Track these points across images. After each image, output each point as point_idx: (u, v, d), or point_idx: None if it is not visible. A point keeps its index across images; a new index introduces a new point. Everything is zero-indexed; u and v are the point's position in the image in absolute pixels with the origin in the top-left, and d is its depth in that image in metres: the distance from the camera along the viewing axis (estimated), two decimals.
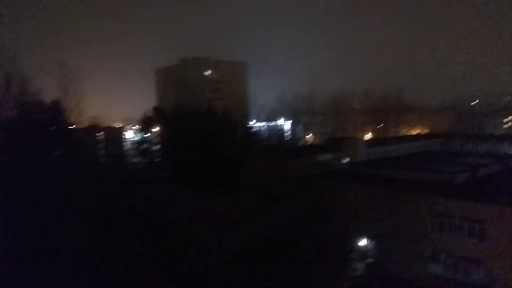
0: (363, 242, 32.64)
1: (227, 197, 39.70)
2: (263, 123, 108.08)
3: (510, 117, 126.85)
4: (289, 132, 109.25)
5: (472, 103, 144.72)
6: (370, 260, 32.51)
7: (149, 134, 68.86)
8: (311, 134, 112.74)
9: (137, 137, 73.40)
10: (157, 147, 68.79)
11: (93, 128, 58.65)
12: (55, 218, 26.67)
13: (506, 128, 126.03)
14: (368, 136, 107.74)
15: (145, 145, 67.26)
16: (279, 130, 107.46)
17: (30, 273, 23.01)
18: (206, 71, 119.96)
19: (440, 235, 28.87)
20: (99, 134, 63.86)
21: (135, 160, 67.88)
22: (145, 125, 69.61)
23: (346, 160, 55.36)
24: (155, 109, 73.99)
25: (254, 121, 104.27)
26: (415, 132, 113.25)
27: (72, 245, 25.99)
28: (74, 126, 44.52)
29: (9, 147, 31.41)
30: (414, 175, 36.28)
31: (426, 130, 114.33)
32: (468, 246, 27.28)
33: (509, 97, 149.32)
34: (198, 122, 63.26)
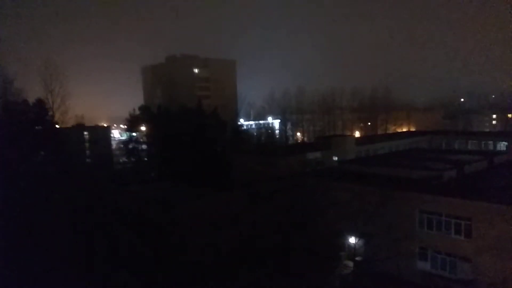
0: (352, 239, 32.74)
1: (216, 196, 39.45)
2: (252, 122, 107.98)
3: (496, 115, 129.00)
4: (278, 130, 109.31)
5: (459, 101, 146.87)
6: (359, 258, 32.64)
7: (136, 133, 68.13)
8: (300, 133, 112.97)
9: (124, 136, 72.64)
10: (145, 146, 68.12)
11: (79, 127, 57.75)
12: (42, 219, 26.16)
13: (493, 125, 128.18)
14: (357, 134, 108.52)
15: (132, 145, 66.51)
16: (268, 129, 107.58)
17: (20, 274, 22.54)
18: (195, 69, 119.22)
19: (427, 232, 29.09)
20: (85, 134, 62.95)
21: (123, 159, 67.13)
22: (132, 124, 68.85)
23: (335, 158, 55.56)
24: (142, 107, 73.20)
25: (243, 119, 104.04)
26: (403, 129, 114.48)
27: (59, 245, 25.51)
28: (60, 125, 43.80)
29: None
30: (402, 173, 36.55)
31: (414, 128, 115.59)
32: (455, 243, 27.54)
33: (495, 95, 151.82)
34: (187, 121, 62.80)
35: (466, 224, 26.85)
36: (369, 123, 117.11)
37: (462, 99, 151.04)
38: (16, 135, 35.27)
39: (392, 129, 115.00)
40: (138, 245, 30.66)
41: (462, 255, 27.24)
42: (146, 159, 66.75)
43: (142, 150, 67.36)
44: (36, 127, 44.33)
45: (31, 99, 46.92)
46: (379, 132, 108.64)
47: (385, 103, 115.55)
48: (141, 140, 67.75)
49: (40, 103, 46.25)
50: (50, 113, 43.89)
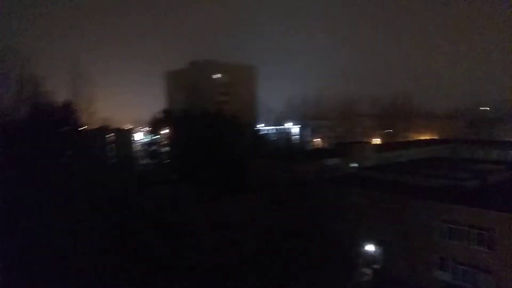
0: (370, 247, 32.57)
1: (235, 199, 39.89)
2: (271, 127, 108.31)
3: None
4: (297, 136, 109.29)
5: (482, 109, 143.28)
6: (377, 265, 32.44)
7: (158, 136, 69.48)
8: (319, 139, 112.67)
9: (147, 139, 74.14)
10: (166, 149, 69.36)
11: (104, 130, 59.24)
12: (67, 216, 27.11)
13: None
14: (376, 141, 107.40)
15: (154, 147, 67.88)
16: (287, 134, 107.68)
17: (40, 272, 23.39)
18: (216, 74, 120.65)
19: (448, 242, 28.73)
20: (109, 136, 64.59)
21: (144, 161, 68.49)
22: (155, 127, 70.29)
23: (354, 164, 55.27)
24: (165, 111, 74.70)
25: (262, 124, 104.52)
26: (423, 137, 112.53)
27: (84, 244, 26.37)
28: (85, 127, 45.08)
29: (22, 148, 31.94)
30: (422, 181, 36.15)
31: (435, 136, 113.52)
32: (477, 255, 27.10)
33: None
34: (207, 125, 63.70)
35: (489, 235, 26.41)
36: (389, 130, 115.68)
37: (485, 107, 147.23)
38: (44, 135, 36.56)
39: (412, 136, 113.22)
40: (156, 246, 31.32)
41: (484, 267, 26.78)
42: (167, 161, 67.92)
43: (164, 152, 68.64)
44: (63, 128, 45.74)
45: (59, 101, 48.46)
46: (399, 139, 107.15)
47: (406, 111, 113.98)
48: (163, 143, 69.06)
49: (67, 105, 47.70)
50: (77, 115, 45.21)
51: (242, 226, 34.71)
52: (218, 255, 32.36)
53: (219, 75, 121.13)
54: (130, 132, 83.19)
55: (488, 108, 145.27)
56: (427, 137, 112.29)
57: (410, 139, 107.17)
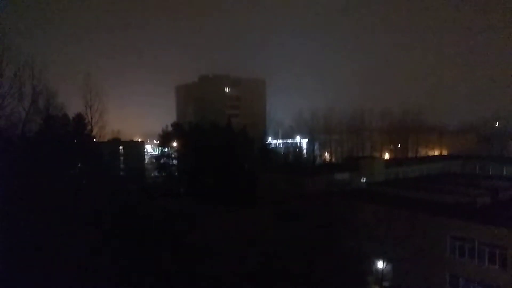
0: (379, 263, 32.13)
1: (243, 213, 39.90)
2: (280, 140, 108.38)
3: None
4: (306, 150, 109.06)
5: (494, 124, 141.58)
6: (387, 283, 31.94)
7: (168, 148, 70.08)
8: (327, 153, 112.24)
9: (157, 152, 74.81)
10: (176, 161, 69.84)
11: (115, 142, 60.11)
12: (78, 226, 27.43)
13: None
14: (386, 156, 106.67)
15: (164, 160, 68.42)
16: (296, 148, 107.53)
17: (50, 279, 23.58)
18: (226, 88, 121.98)
19: (459, 260, 28.24)
20: (121, 148, 65.39)
21: (154, 174, 69.02)
22: (164, 140, 70.97)
23: (363, 179, 54.95)
24: (175, 124, 75.51)
25: (271, 138, 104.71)
26: (434, 153, 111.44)
27: (93, 253, 26.57)
28: (97, 139, 45.80)
29: (35, 159, 32.55)
30: (433, 197, 35.78)
31: (446, 151, 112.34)
32: (489, 273, 26.57)
33: None
34: (216, 138, 64.14)
35: (501, 253, 25.91)
36: (399, 145, 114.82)
37: (497, 123, 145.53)
38: (57, 147, 37.22)
39: (423, 152, 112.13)
40: (164, 256, 31.36)
41: (496, 286, 26.21)
42: (176, 174, 68.31)
43: (173, 165, 69.10)
44: (75, 140, 46.52)
45: (71, 114, 49.43)
46: (410, 155, 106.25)
47: (416, 125, 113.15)
48: (172, 155, 69.58)
49: (79, 117, 48.65)
50: (89, 127, 46.01)
51: (250, 240, 34.57)
52: (225, 268, 32.21)
53: (228, 89, 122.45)
54: (141, 145, 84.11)
55: (500, 124, 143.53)
56: (438, 153, 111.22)
57: (421, 155, 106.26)
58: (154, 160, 71.50)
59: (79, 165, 42.69)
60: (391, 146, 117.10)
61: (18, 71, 31.18)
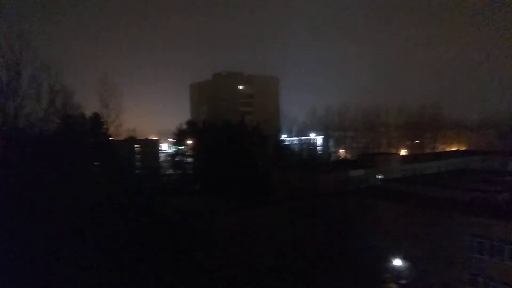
0: (396, 261, 31.72)
1: (258, 210, 39.86)
2: (294, 138, 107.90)
3: None
4: (321, 147, 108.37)
5: None
6: (404, 281, 31.52)
7: (183, 146, 70.62)
8: (343, 150, 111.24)
9: (172, 150, 75.50)
10: (190, 159, 70.32)
11: (131, 140, 60.84)
12: (94, 224, 27.85)
13: None
14: (402, 152, 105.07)
15: (179, 158, 68.96)
16: (311, 145, 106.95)
17: (66, 276, 24.05)
18: (239, 85, 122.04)
19: (479, 258, 27.64)
20: (136, 146, 66.22)
21: (169, 171, 69.65)
22: (179, 138, 71.51)
23: (379, 176, 54.26)
24: (189, 122, 76.00)
25: (285, 135, 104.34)
26: (452, 148, 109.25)
27: (109, 251, 26.94)
28: (113, 138, 46.38)
29: (52, 157, 33.17)
30: (452, 194, 35.09)
31: (464, 147, 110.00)
32: (509, 270, 25.93)
33: None
34: (230, 136, 64.29)
35: None
36: (416, 141, 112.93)
37: None
38: (74, 146, 37.87)
39: (440, 148, 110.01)
40: (178, 255, 31.60)
41: None
42: (191, 171, 68.79)
43: (188, 163, 69.59)
44: (92, 139, 47.23)
45: (88, 113, 50.18)
46: (427, 151, 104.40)
47: (434, 121, 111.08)
48: (187, 153, 70.09)
49: (96, 116, 49.34)
50: (105, 126, 46.60)
51: (265, 237, 34.56)
52: (240, 266, 32.30)
53: (242, 87, 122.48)
54: (156, 143, 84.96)
55: None
56: (457, 148, 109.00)
57: (438, 150, 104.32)
58: (169, 158, 72.22)
59: (95, 163, 43.34)
60: (408, 142, 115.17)
61: (36, 72, 31.79)
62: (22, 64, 29.89)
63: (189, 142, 71.14)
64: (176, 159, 68.64)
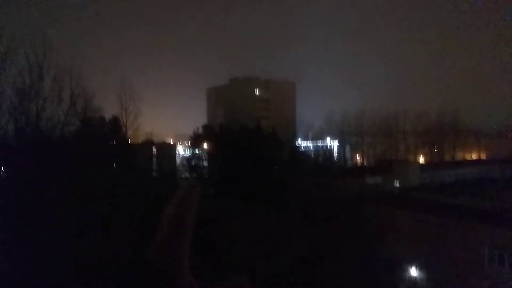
0: (413, 271, 31.19)
1: (274, 215, 39.81)
2: (310, 143, 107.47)
3: None
4: (337, 152, 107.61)
5: None
6: None
7: (199, 150, 71.18)
8: (359, 156, 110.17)
9: (188, 153, 76.14)
10: (206, 163, 70.79)
11: (148, 144, 61.76)
12: (113, 226, 28.36)
13: None
14: (421, 159, 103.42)
15: (195, 161, 69.49)
16: (326, 150, 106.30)
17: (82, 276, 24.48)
18: (256, 90, 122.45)
19: (498, 269, 26.94)
20: (153, 149, 67.14)
21: (185, 175, 70.22)
22: (195, 141, 72.12)
23: (396, 183, 53.55)
24: (205, 126, 76.62)
25: (302, 140, 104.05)
26: (472, 156, 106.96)
27: (125, 253, 27.31)
28: (131, 141, 47.29)
29: (72, 159, 33.97)
30: (471, 203, 34.38)
31: (484, 155, 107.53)
32: None
33: None
34: (246, 140, 64.49)
35: None
36: (435, 149, 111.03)
37: None
38: (93, 148, 38.72)
39: (460, 155, 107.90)
40: (195, 258, 31.77)
41: None
42: (206, 175, 69.23)
43: (203, 167, 70.07)
44: (111, 142, 48.21)
45: (107, 116, 51.34)
46: (446, 158, 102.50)
47: (453, 128, 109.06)
48: (203, 157, 70.64)
49: (115, 119, 50.41)
50: (124, 129, 47.62)
51: (279, 243, 34.48)
52: (253, 272, 32.27)
53: (258, 91, 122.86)
54: (173, 147, 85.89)
55: None
56: (477, 156, 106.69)
57: (458, 158, 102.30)
58: (185, 162, 72.79)
59: (114, 165, 44.19)
60: (427, 149, 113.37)
61: (57, 75, 32.79)
62: (44, 67, 30.90)
63: (205, 146, 71.70)
64: (192, 163, 69.23)
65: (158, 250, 0.49)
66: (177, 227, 0.68)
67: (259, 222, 37.16)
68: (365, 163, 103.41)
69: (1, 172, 29.99)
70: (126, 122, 48.26)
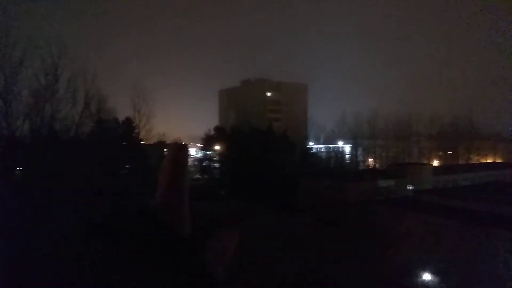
0: (426, 276, 30.67)
1: (284, 217, 39.66)
2: (322, 145, 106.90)
3: None
4: (349, 155, 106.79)
5: None
6: None
7: (210, 151, 71.42)
8: (371, 159, 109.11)
9: (199, 154, 76.47)
10: (218, 164, 70.99)
11: (161, 145, 62.24)
12: (126, 225, 28.54)
13: None
14: (435, 163, 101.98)
15: (206, 163, 69.73)
16: (339, 153, 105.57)
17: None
18: (268, 92, 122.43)
19: None
20: (165, 150, 67.71)
21: (196, 176, 70.53)
22: (207, 143, 72.38)
23: (410, 187, 52.85)
24: (217, 128, 76.88)
25: (313, 142, 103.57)
26: (488, 160, 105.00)
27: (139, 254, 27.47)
28: (144, 142, 47.73)
29: (87, 160, 34.40)
30: (486, 207, 33.70)
31: (500, 159, 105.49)
32: None
33: None
34: (257, 142, 64.49)
35: None
36: (449, 152, 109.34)
37: None
38: (107, 149, 39.19)
39: (475, 159, 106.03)
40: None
41: None
42: (218, 177, 69.41)
43: (215, 168, 70.29)
44: (124, 143, 48.74)
45: (121, 117, 51.94)
46: (461, 162, 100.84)
47: (468, 131, 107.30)
48: (215, 158, 70.86)
49: (128, 121, 50.95)
50: (137, 130, 48.11)
51: (293, 245, 34.29)
52: (263, 274, 32.11)
53: (270, 93, 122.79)
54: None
55: None
56: (492, 160, 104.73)
57: (473, 162, 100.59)
58: (196, 163, 73.13)
59: (127, 166, 44.66)
60: (441, 153, 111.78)
61: (72, 77, 33.35)
62: (59, 69, 31.45)
63: (217, 147, 71.90)
64: (204, 164, 69.48)
65: (159, 202, 0.57)
66: (173, 179, 0.73)
67: (272, 224, 37.03)
68: (377, 166, 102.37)
69: (17, 172, 30.52)
70: (139, 123, 48.75)
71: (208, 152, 71.86)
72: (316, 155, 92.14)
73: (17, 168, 30.18)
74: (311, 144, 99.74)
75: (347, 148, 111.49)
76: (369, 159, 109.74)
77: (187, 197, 0.62)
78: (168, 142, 73.68)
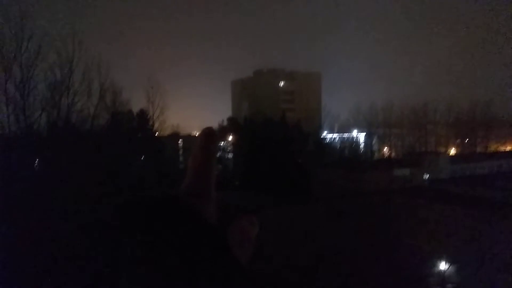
0: (442, 265, 30.41)
1: (298, 207, 39.75)
2: (336, 135, 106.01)
3: None
4: (363, 144, 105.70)
5: None
6: (450, 285, 30.17)
7: (223, 142, 71.82)
8: (386, 148, 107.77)
9: None
10: (231, 155, 71.38)
11: (175, 136, 62.85)
12: (139, 217, 29.01)
13: None
14: (452, 151, 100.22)
15: (220, 153, 70.18)
16: (353, 142, 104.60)
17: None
18: (280, 82, 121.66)
19: None
20: (179, 142, 68.25)
21: None
22: (220, 134, 72.72)
23: (426, 176, 52.18)
24: (230, 119, 77.12)
25: (327, 132, 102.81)
26: (506, 148, 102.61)
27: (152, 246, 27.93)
28: (158, 133, 48.21)
29: (102, 151, 34.94)
30: (505, 196, 33.12)
31: None
32: None
33: None
34: (271, 132, 64.45)
35: None
36: (467, 140, 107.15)
37: None
38: (122, 141, 39.73)
39: (493, 147, 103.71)
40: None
41: None
42: (231, 167, 69.84)
43: (228, 159, 70.72)
44: (139, 135, 49.32)
45: (135, 109, 52.47)
46: (478, 150, 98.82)
47: (486, 118, 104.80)
48: (228, 149, 71.24)
49: (142, 113, 51.47)
50: (151, 122, 48.58)
51: (306, 235, 34.40)
52: (276, 266, 32.35)
53: (283, 83, 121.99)
54: None
55: None
56: (511, 148, 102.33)
57: (491, 150, 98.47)
58: None
59: (142, 158, 45.25)
60: (458, 141, 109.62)
61: (87, 69, 33.76)
62: (74, 62, 31.85)
63: (230, 138, 72.21)
64: (217, 155, 69.97)
65: (187, 186, 0.58)
66: (202, 165, 0.67)
67: (286, 214, 37.17)
68: (393, 155, 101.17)
69: (35, 165, 31.24)
70: (153, 115, 49.18)
71: (221, 143, 72.28)
72: (330, 144, 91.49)
73: (36, 160, 30.87)
74: (325, 133, 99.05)
75: (362, 137, 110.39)
76: (384, 148, 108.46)
77: (214, 184, 0.64)
78: (182, 133, 74.63)
